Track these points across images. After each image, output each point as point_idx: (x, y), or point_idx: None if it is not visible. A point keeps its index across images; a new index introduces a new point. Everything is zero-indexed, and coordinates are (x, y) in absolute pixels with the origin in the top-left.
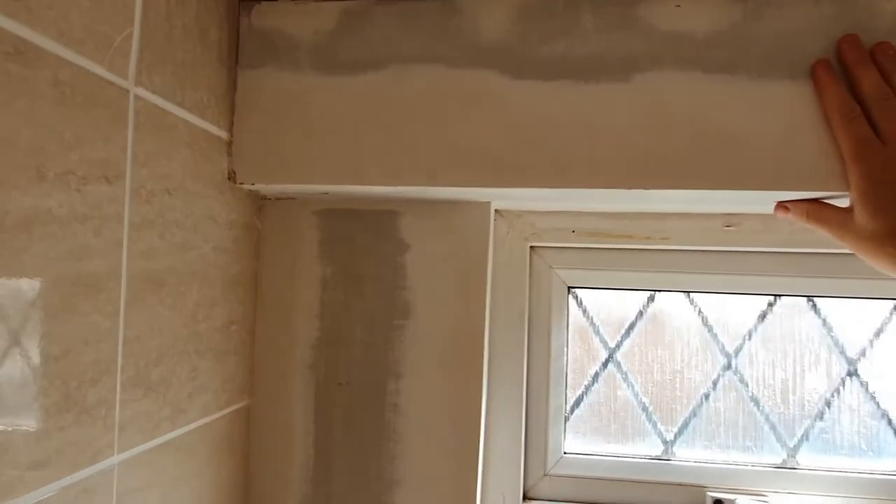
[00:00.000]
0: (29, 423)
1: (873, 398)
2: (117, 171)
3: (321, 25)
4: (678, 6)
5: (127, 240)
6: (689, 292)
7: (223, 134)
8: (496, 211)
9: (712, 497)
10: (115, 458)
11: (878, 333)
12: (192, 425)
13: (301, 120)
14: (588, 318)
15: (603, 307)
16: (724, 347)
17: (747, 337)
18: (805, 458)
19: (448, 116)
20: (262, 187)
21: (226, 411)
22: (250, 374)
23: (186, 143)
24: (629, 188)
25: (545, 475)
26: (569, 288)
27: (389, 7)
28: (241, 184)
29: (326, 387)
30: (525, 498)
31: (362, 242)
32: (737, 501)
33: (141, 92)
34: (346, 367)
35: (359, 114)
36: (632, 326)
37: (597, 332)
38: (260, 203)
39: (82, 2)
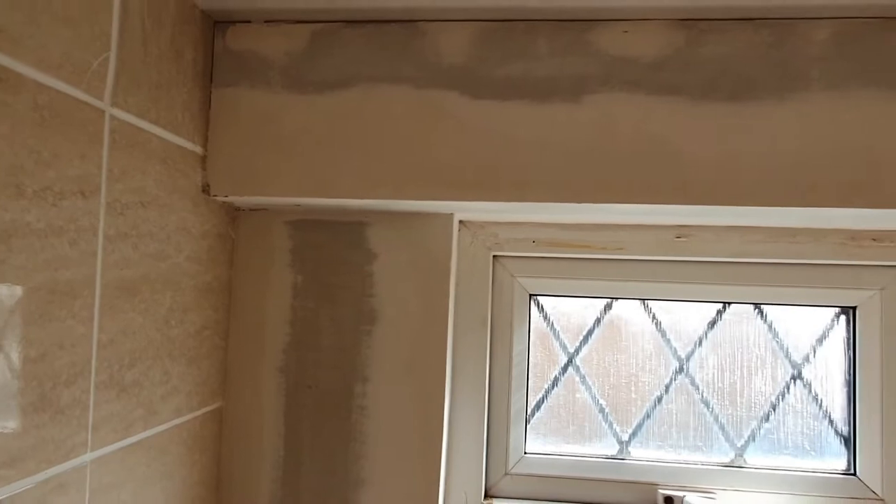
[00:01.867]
0: (6, 422)
1: (816, 400)
2: (93, 186)
3: (292, 47)
4: (626, 32)
5: (101, 251)
6: (644, 300)
7: (198, 149)
8: (461, 222)
9: (663, 494)
10: (88, 456)
11: (821, 339)
12: (165, 426)
13: (273, 136)
14: (549, 324)
15: (563, 314)
16: (676, 352)
17: (698, 342)
18: (752, 458)
19: (412, 134)
20: (236, 199)
21: (198, 413)
22: (223, 377)
23: (161, 158)
24: (580, 202)
25: (506, 474)
26: (530, 295)
27: (357, 30)
28: (215, 196)
29: (296, 389)
30: (487, 496)
31: (332, 252)
32: (685, 498)
33: (116, 112)
34: (315, 371)
35: (328, 130)
36: (590, 332)
37: (557, 338)
38: (234, 214)
39: (61, 30)
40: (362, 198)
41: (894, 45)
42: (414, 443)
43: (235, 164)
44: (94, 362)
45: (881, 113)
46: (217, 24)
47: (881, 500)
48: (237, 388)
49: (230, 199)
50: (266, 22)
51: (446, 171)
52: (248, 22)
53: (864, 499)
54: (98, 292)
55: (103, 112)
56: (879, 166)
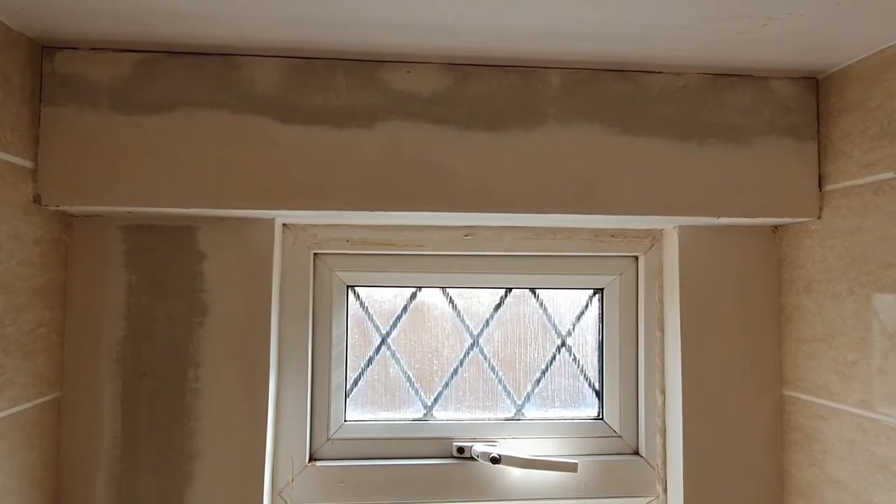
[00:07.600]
0: None
1: (577, 363)
2: None
3: (118, 72)
4: (408, 72)
5: None
6: (443, 288)
7: (28, 163)
8: (284, 225)
9: (456, 446)
10: None
11: (580, 315)
12: (1, 415)
13: (102, 151)
14: (365, 310)
15: (376, 301)
16: (470, 330)
17: (487, 322)
18: (529, 412)
19: (230, 152)
20: (68, 207)
21: (35, 402)
22: (60, 370)
23: None
24: (374, 210)
25: (328, 440)
26: (347, 286)
27: (178, 60)
28: (47, 206)
29: (132, 377)
30: (311, 459)
31: (164, 253)
32: (473, 447)
33: None
34: (151, 359)
35: (153, 148)
36: (399, 316)
37: (371, 322)
38: (68, 220)
39: None
40: (185, 207)
41: (609, 90)
42: (242, 417)
43: (65, 176)
44: None
45: (598, 142)
46: (45, 48)
47: (620, 436)
48: (75, 379)
49: (62, 207)
50: (92, 49)
51: (260, 184)
52: (75, 49)
53: (607, 436)
54: None
55: None
56: (595, 183)
